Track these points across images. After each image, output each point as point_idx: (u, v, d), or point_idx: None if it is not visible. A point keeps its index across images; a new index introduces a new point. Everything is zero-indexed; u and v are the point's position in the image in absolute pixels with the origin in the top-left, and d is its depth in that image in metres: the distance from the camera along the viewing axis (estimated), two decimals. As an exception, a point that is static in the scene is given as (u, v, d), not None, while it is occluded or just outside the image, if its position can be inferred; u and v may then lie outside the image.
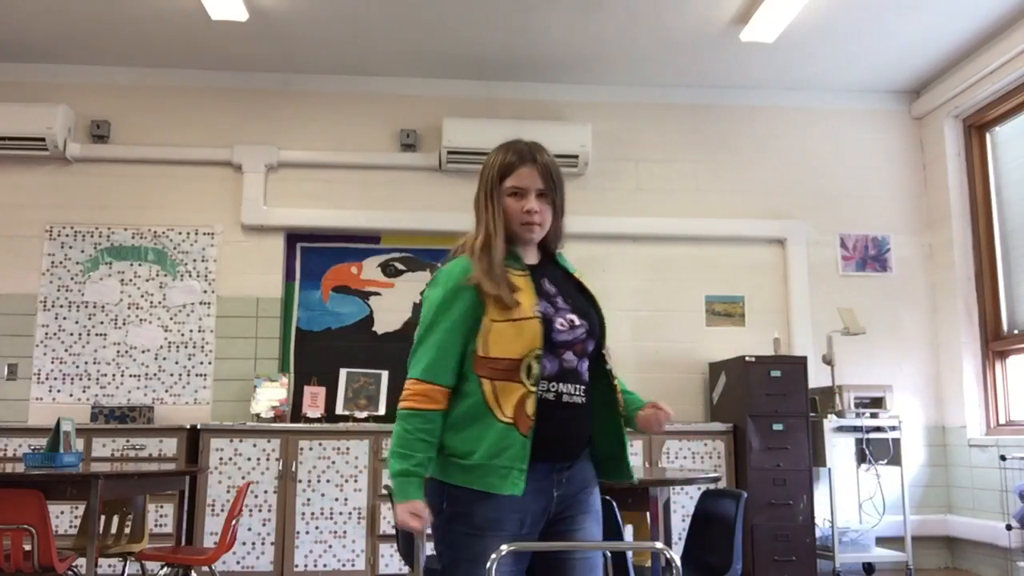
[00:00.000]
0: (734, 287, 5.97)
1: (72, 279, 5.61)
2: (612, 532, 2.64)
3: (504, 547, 1.75)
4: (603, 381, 2.05)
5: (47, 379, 5.50)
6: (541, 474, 1.92)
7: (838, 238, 6.06)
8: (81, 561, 3.50)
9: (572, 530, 1.98)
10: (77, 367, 5.53)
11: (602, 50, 5.58)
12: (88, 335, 5.56)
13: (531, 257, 2.08)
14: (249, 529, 4.93)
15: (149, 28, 5.29)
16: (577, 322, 1.98)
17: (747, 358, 5.29)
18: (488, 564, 1.71)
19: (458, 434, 1.91)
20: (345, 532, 4.98)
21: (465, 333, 1.93)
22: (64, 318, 5.57)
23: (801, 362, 5.36)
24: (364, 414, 5.42)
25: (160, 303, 5.65)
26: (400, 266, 5.85)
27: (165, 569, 3.98)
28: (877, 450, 5.38)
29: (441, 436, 1.93)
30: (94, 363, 5.54)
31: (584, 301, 2.07)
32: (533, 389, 1.88)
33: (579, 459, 2.01)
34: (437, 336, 1.93)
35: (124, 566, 4.32)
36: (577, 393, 1.97)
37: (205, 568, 3.93)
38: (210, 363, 5.60)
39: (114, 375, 5.54)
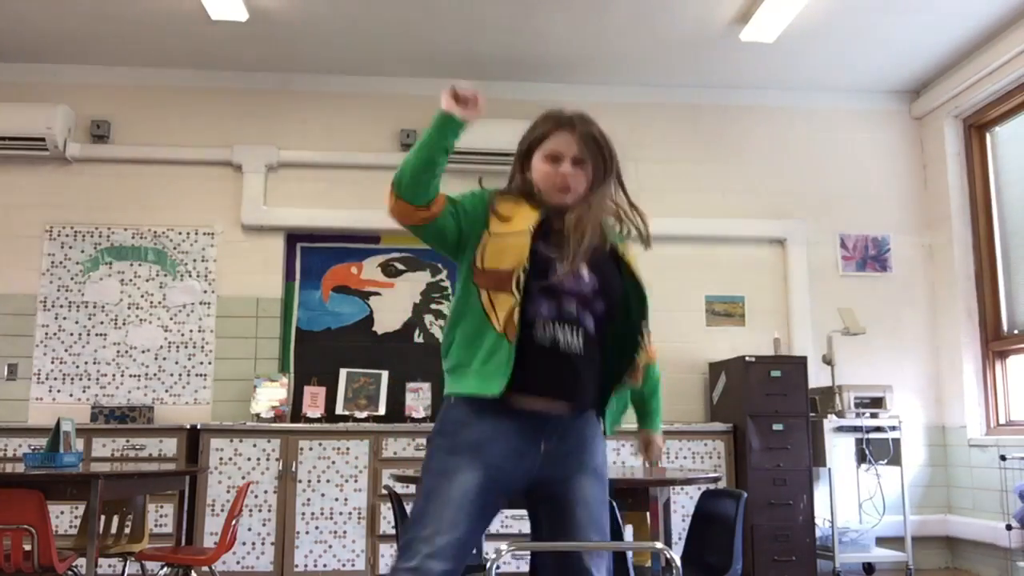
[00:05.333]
0: (734, 287, 5.96)
1: (72, 279, 5.61)
2: (612, 532, 2.63)
3: (503, 547, 1.75)
4: (626, 354, 2.03)
5: (47, 379, 5.50)
6: (531, 421, 1.96)
7: (838, 238, 6.06)
8: (81, 561, 3.50)
9: (568, 493, 1.99)
10: (77, 367, 5.53)
11: (602, 50, 5.58)
12: (88, 335, 5.56)
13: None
14: (249, 529, 4.93)
15: (149, 28, 5.29)
16: (587, 277, 2.00)
17: (747, 358, 5.29)
18: (488, 564, 1.72)
19: (463, 346, 1.99)
20: (345, 532, 4.98)
21: (463, 211, 2.05)
22: (64, 318, 5.56)
23: (801, 362, 5.36)
24: (364, 414, 5.41)
25: (160, 303, 5.64)
26: (400, 266, 5.85)
27: (165, 569, 3.98)
28: (877, 450, 5.38)
29: (450, 351, 2.03)
30: (94, 363, 5.54)
31: (616, 273, 2.06)
32: (520, 299, 1.93)
33: (575, 415, 2.01)
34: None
35: (124, 566, 4.31)
36: (575, 341, 1.96)
37: (205, 568, 3.93)
38: (210, 363, 5.60)
39: (114, 375, 5.54)
